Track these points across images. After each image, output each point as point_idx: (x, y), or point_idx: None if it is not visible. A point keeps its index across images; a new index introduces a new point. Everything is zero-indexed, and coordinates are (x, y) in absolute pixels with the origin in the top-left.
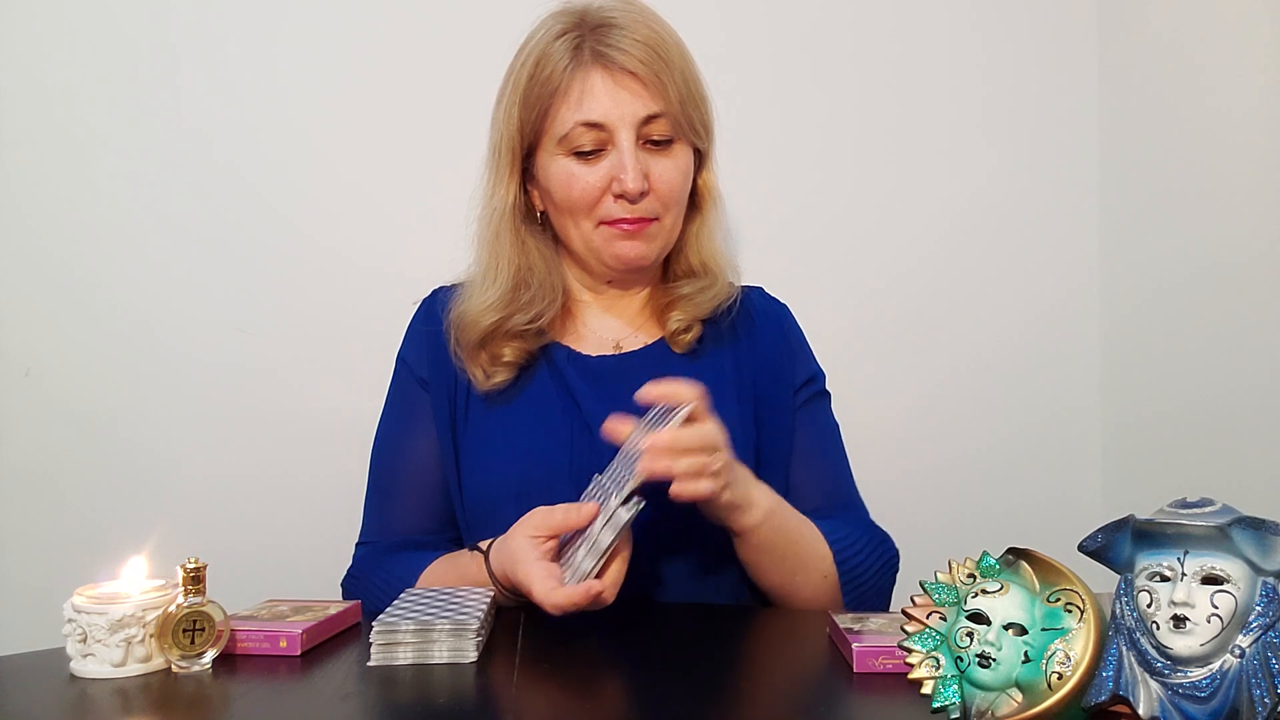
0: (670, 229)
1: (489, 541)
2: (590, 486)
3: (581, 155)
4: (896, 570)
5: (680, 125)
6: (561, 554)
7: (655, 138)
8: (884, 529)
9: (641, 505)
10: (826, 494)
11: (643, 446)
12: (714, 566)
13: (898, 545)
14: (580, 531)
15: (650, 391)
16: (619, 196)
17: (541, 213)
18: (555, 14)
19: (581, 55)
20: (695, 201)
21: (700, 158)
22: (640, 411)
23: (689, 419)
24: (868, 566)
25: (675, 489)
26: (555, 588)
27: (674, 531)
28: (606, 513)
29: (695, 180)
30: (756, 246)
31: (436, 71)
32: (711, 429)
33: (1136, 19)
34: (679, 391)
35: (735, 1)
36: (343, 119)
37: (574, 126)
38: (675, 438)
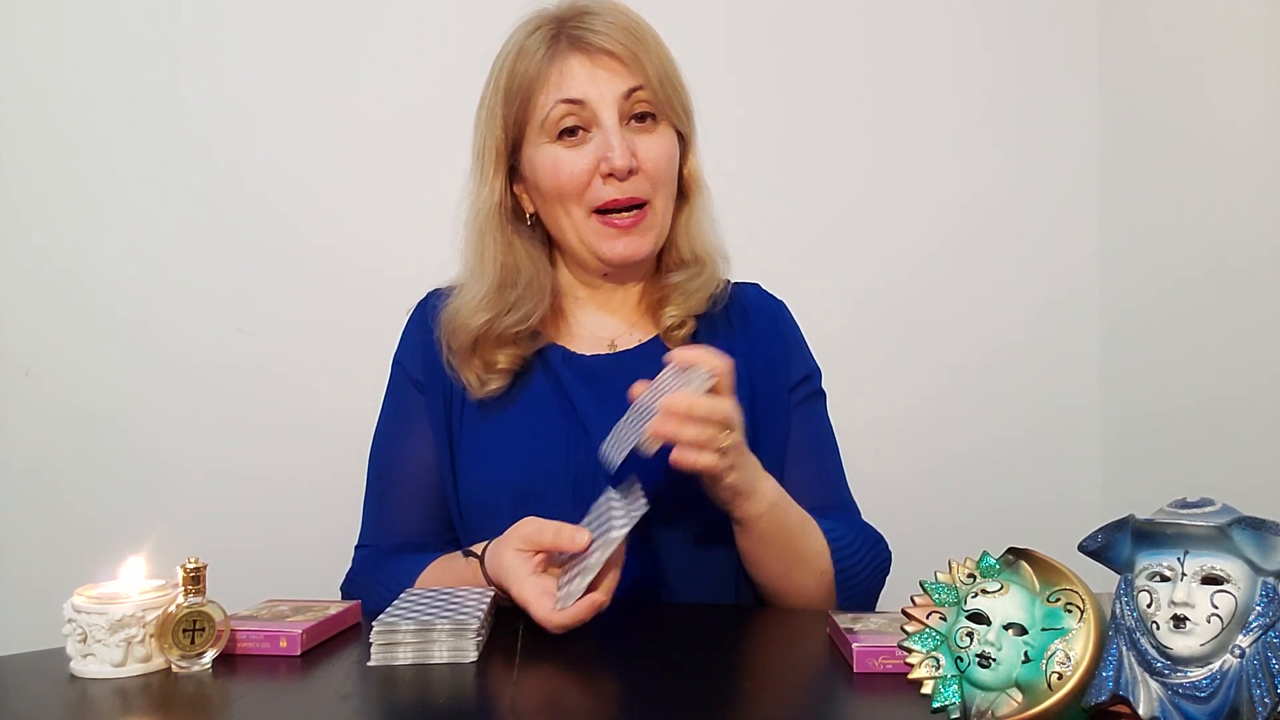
0: (662, 215)
1: (483, 545)
2: (600, 500)
3: (567, 139)
4: (887, 573)
5: (660, 101)
6: (561, 566)
7: (638, 112)
8: (877, 530)
9: (645, 509)
10: (819, 493)
11: (658, 406)
12: (712, 568)
13: (898, 544)
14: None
15: (684, 354)
16: (608, 176)
17: (532, 215)
18: (530, 16)
19: (559, 43)
20: (682, 190)
21: (684, 145)
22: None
23: (711, 390)
24: (863, 567)
25: (675, 456)
26: (555, 610)
27: (673, 532)
28: (604, 542)
29: (681, 169)
30: (758, 245)
31: (435, 73)
32: (729, 405)
33: (1136, 20)
34: (710, 359)
35: (741, 4)
36: (343, 120)
37: (555, 105)
38: (693, 404)
